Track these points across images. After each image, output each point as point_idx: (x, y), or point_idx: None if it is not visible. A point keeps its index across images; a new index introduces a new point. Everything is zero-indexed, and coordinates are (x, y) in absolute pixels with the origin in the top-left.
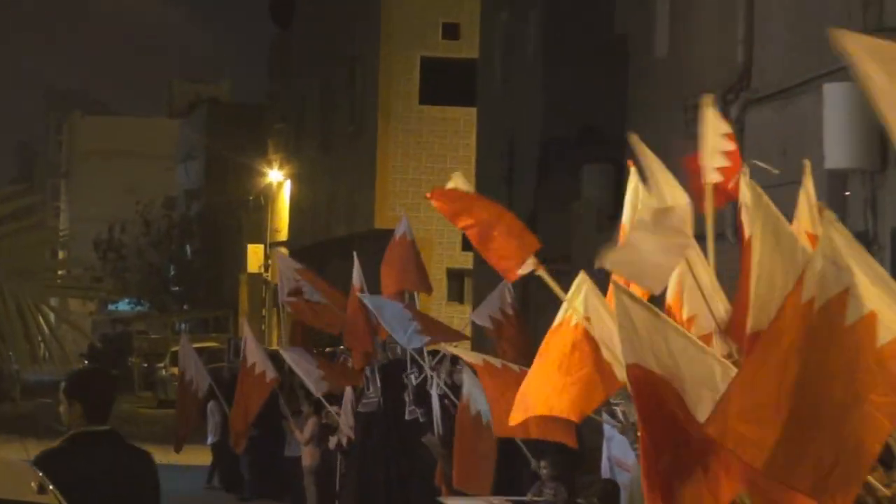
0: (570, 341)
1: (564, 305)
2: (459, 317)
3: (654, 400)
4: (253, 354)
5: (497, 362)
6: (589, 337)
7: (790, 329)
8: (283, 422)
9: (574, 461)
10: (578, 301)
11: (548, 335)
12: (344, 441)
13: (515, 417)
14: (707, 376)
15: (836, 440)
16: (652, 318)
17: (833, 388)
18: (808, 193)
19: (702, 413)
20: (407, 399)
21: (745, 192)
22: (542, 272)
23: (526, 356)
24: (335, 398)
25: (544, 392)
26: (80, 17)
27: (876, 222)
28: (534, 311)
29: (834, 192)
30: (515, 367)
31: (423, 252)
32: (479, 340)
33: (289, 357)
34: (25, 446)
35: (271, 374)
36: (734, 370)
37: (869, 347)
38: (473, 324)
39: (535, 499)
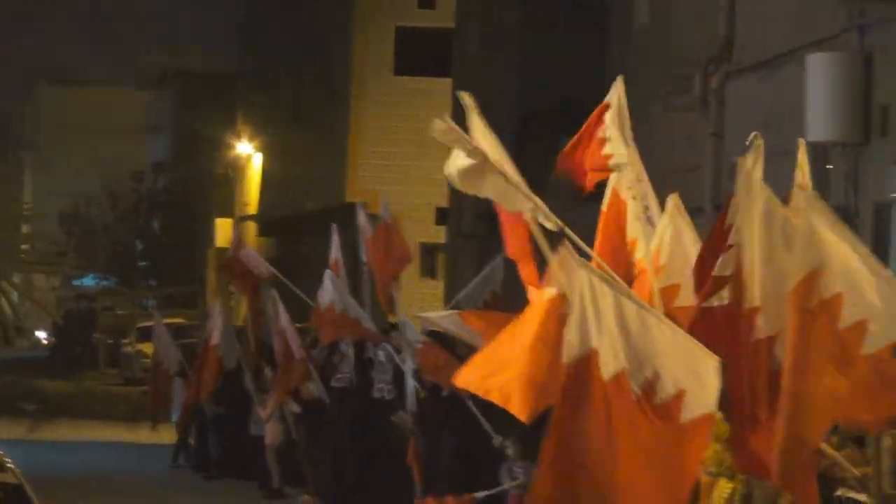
0: (548, 314)
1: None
2: (432, 292)
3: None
4: (217, 334)
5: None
6: (560, 312)
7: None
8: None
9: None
10: (562, 275)
11: (529, 306)
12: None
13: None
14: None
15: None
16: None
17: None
18: (802, 170)
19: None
20: (375, 376)
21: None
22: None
23: None
24: None
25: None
26: None
27: (857, 196)
28: (513, 288)
29: (816, 166)
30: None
31: (398, 222)
32: None
33: None
34: None
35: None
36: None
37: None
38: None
39: (512, 484)
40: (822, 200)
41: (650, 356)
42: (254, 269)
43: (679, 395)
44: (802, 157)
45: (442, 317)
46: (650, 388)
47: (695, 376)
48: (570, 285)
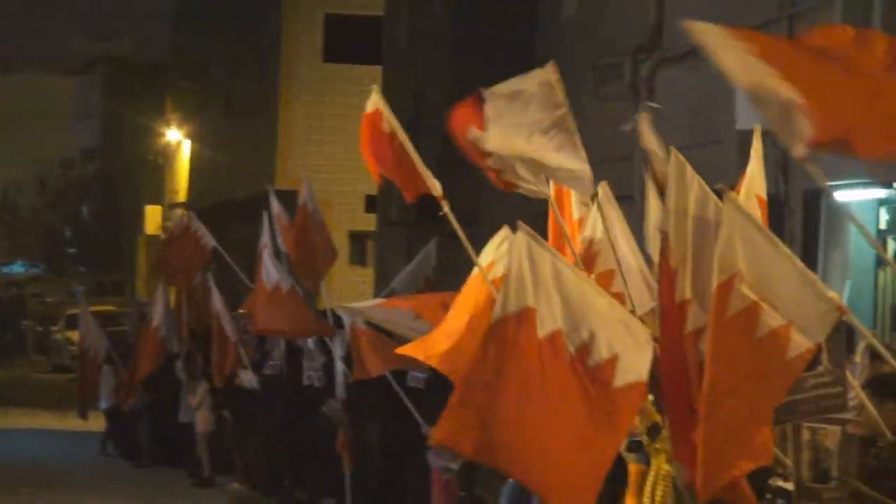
0: (481, 291)
1: (482, 258)
2: (361, 280)
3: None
4: (159, 317)
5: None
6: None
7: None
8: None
9: None
10: (499, 253)
11: (465, 285)
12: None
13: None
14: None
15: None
16: (553, 260)
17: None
18: (757, 157)
19: (627, 368)
20: (305, 364)
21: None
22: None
23: None
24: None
25: (458, 329)
26: None
27: (787, 185)
28: (447, 273)
29: (744, 154)
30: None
31: (325, 214)
32: None
33: None
34: None
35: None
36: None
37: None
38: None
39: (442, 465)
40: (749, 200)
41: (587, 319)
42: (201, 244)
43: (613, 360)
44: (757, 144)
45: (366, 307)
46: (585, 349)
47: (630, 343)
48: (508, 250)
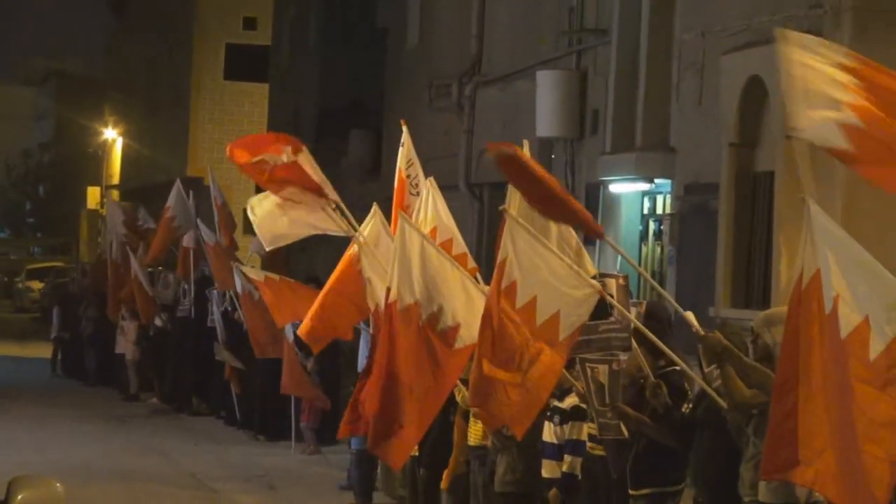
0: (349, 264)
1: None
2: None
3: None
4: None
5: (276, 277)
6: (357, 260)
7: None
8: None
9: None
10: (367, 230)
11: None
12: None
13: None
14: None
15: None
16: (422, 241)
17: None
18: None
19: (465, 334)
20: (210, 309)
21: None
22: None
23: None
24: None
25: (329, 308)
26: None
27: (574, 179)
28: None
29: (543, 155)
30: (291, 281)
31: (226, 195)
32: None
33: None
34: None
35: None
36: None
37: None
38: None
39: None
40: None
41: (438, 294)
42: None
43: (456, 327)
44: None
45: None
46: (434, 319)
47: (470, 314)
48: (387, 236)
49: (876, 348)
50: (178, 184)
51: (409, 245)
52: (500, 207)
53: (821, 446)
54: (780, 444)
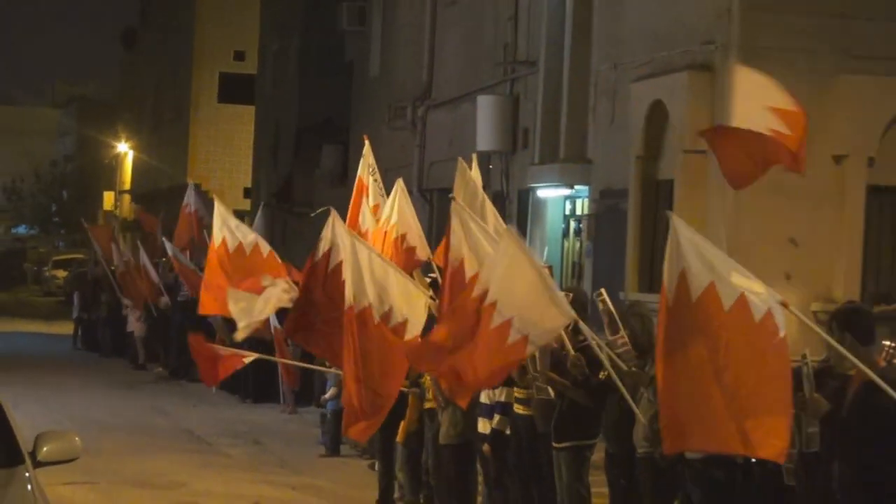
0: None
1: (322, 237)
2: None
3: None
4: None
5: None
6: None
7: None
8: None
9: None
10: (330, 233)
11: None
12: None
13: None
14: (408, 293)
15: None
16: (369, 253)
17: None
18: (476, 174)
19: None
20: None
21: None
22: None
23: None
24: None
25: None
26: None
27: (509, 185)
28: (290, 238)
29: (483, 166)
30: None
31: (218, 200)
32: None
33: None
34: None
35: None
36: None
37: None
38: None
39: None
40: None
41: (388, 295)
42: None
43: (404, 322)
44: (474, 165)
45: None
46: (387, 317)
47: (412, 310)
48: (342, 246)
49: (759, 314)
50: (191, 186)
51: (360, 257)
52: (450, 196)
53: (711, 414)
54: (673, 422)
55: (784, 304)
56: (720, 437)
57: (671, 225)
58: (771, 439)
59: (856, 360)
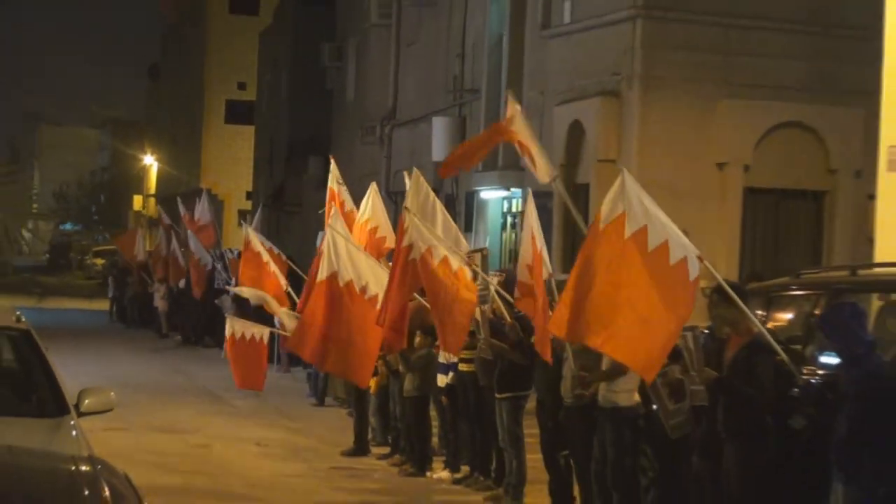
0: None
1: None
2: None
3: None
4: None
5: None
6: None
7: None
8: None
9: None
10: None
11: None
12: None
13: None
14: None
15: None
16: (348, 244)
17: None
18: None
19: (370, 290)
20: (217, 276)
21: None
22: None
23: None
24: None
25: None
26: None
27: (458, 188)
28: (283, 231)
29: (436, 174)
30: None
31: (225, 201)
32: None
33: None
34: (13, 302)
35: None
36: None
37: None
38: None
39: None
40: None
41: (364, 274)
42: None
43: (376, 295)
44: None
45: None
46: (364, 290)
47: (380, 287)
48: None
49: (675, 256)
50: (205, 192)
51: (338, 245)
52: (404, 205)
53: (608, 321)
54: (577, 317)
55: (700, 259)
56: (609, 338)
57: (621, 176)
58: (641, 355)
59: (753, 318)
